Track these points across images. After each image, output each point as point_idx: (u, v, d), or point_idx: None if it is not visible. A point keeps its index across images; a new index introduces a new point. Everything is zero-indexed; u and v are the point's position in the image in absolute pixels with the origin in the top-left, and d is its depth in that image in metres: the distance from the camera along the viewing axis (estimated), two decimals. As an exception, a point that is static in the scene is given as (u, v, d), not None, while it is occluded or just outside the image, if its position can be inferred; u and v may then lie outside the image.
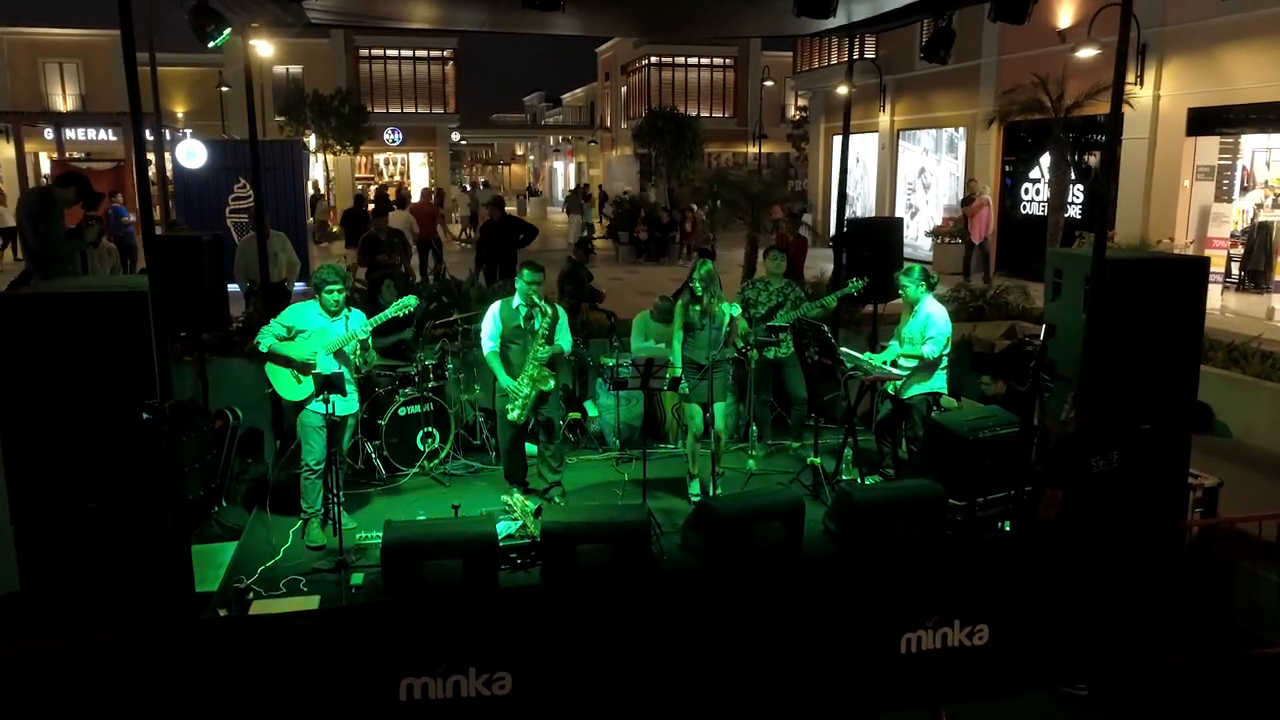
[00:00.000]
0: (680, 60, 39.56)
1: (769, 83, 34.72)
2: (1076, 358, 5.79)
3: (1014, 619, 5.04)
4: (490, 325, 6.61)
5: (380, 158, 40.51)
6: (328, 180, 35.24)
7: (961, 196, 17.60)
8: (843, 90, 23.91)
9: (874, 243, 9.05)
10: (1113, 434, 5.45)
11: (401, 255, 10.57)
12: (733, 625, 4.78)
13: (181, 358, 8.34)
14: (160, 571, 4.80)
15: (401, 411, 7.49)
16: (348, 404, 6.16)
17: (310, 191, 35.09)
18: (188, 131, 30.48)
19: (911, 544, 5.70)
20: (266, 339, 6.10)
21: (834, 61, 24.90)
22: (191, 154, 16.51)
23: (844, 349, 6.99)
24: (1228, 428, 7.76)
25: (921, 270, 6.95)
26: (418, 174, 40.21)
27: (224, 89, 33.42)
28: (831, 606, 4.89)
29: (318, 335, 6.09)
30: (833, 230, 22.46)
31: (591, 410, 8.41)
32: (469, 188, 37.55)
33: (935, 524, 5.91)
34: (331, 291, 6.07)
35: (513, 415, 6.48)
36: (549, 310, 6.51)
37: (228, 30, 6.61)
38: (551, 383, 6.58)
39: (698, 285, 6.69)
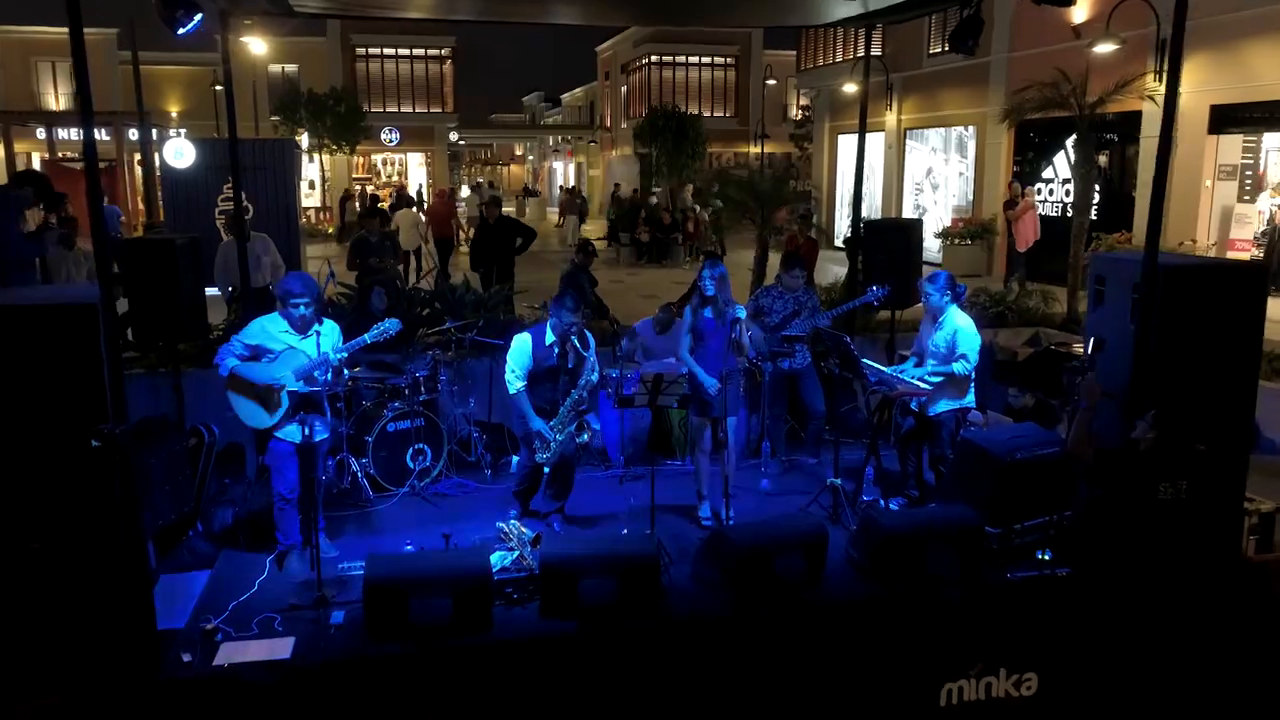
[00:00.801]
0: (681, 59, 39.12)
1: (771, 81, 34.26)
2: (1123, 372, 5.31)
3: (1065, 666, 4.54)
4: (519, 360, 6.04)
5: (378, 158, 40.05)
6: (323, 180, 34.71)
7: (1005, 198, 16.88)
8: (849, 88, 23.49)
9: (891, 245, 8.55)
10: (1177, 457, 4.95)
11: (393, 259, 10.04)
12: (752, 673, 4.28)
13: (156, 369, 7.87)
14: (116, 620, 4.30)
15: (390, 427, 6.99)
16: (323, 427, 5.64)
17: (339, 192, 34.65)
18: (182, 131, 30.05)
19: (949, 580, 5.20)
20: (226, 362, 5.50)
21: (839, 59, 24.42)
22: (179, 153, 15.96)
23: (867, 361, 6.48)
24: (1273, 444, 7.27)
25: (949, 278, 6.43)
26: (415, 174, 39.74)
27: (218, 87, 32.90)
28: (863, 652, 4.39)
29: (286, 358, 5.49)
30: (842, 232, 22.14)
31: (593, 424, 7.90)
32: (475, 187, 36.97)
33: (971, 555, 5.41)
34: (298, 305, 5.48)
35: (541, 458, 5.99)
36: (585, 345, 6.07)
37: (198, 17, 6.11)
38: (586, 435, 6.14)
39: (709, 285, 6.18)
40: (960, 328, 6.31)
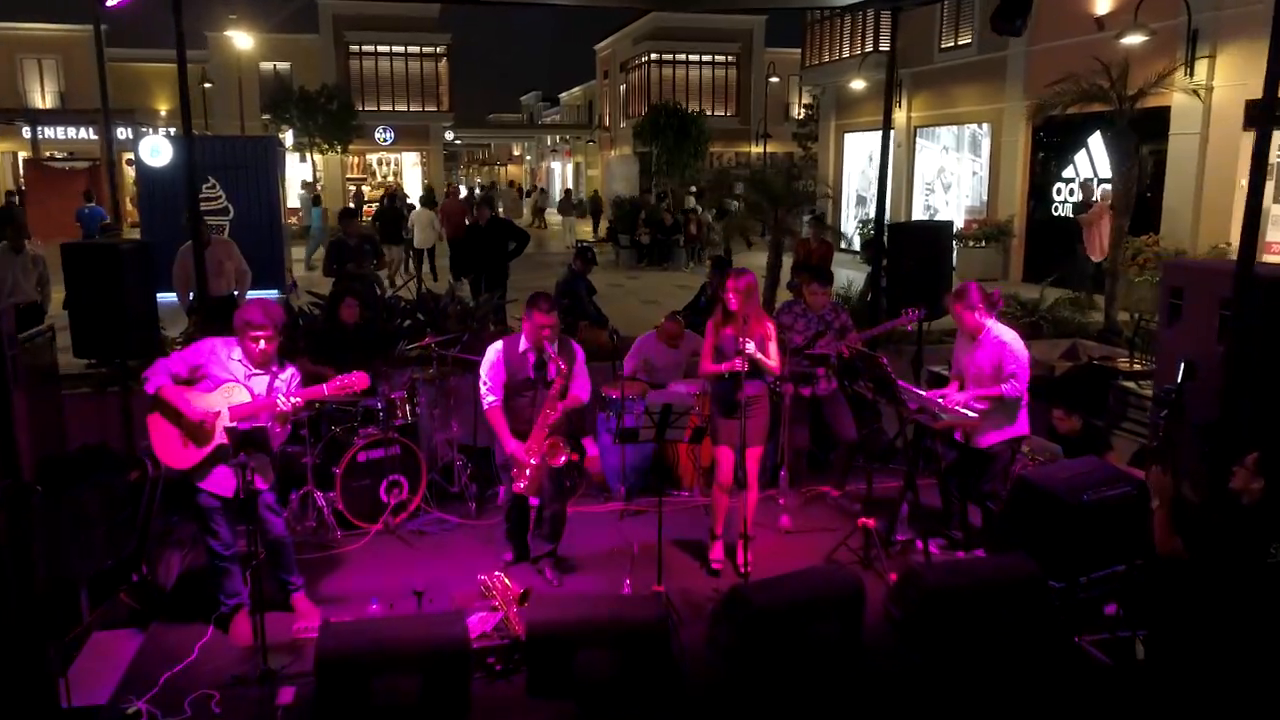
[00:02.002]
0: (681, 57, 38.35)
1: (774, 79, 33.43)
2: (1210, 403, 4.52)
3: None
4: (491, 371, 5.27)
5: (373, 158, 39.20)
6: (315, 180, 33.87)
7: (1080, 198, 15.86)
8: (856, 84, 22.70)
9: (919, 251, 7.76)
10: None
11: (374, 263, 9.24)
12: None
13: (105, 389, 7.07)
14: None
15: (361, 456, 6.19)
16: (268, 474, 4.77)
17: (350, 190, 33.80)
18: (171, 130, 29.24)
19: (1007, 645, 4.41)
20: (156, 378, 4.61)
21: (845, 55, 23.61)
22: (155, 151, 15.19)
23: (906, 385, 5.69)
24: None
25: (979, 289, 5.62)
26: (410, 174, 38.92)
27: (207, 85, 32.11)
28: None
29: (229, 391, 4.64)
30: (850, 234, 21.36)
31: (591, 449, 7.12)
32: (490, 187, 36.10)
33: (1033, 616, 4.61)
34: (258, 339, 4.63)
35: (518, 486, 5.18)
36: (566, 355, 5.23)
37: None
38: (564, 457, 5.31)
39: (733, 299, 5.36)
40: (1005, 344, 5.51)
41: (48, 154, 33.97)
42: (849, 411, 6.58)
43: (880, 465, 7.24)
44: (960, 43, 19.62)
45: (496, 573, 5.05)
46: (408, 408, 6.46)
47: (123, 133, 28.99)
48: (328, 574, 5.64)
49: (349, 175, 37.37)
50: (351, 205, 9.84)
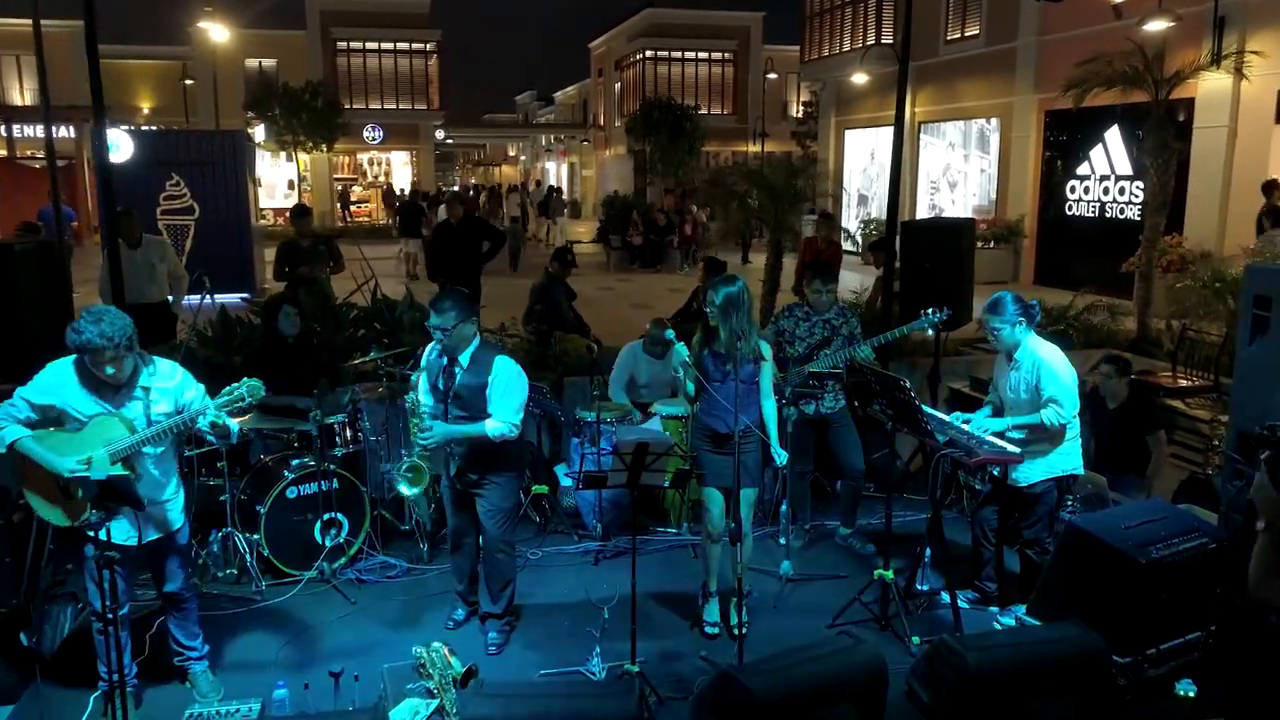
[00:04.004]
0: (677, 54, 37.45)
1: (771, 75, 32.55)
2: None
3: None
4: (419, 375, 4.56)
5: (364, 157, 38.32)
6: (300, 179, 32.97)
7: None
8: (858, 79, 21.78)
9: (937, 251, 6.88)
10: None
11: (331, 267, 8.34)
12: None
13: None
14: None
15: (291, 491, 5.29)
16: (128, 527, 3.81)
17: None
18: (152, 126, 28.29)
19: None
20: (6, 430, 3.69)
21: (846, 48, 22.72)
22: (114, 146, 14.25)
23: (932, 412, 4.80)
24: None
25: (1015, 300, 4.72)
26: (399, 174, 38.04)
27: (189, 81, 31.21)
28: None
29: (98, 428, 3.71)
30: (855, 235, 20.45)
31: (564, 479, 6.24)
32: (518, 187, 35.13)
33: (1093, 701, 3.72)
34: (101, 365, 3.66)
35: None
36: (484, 367, 4.32)
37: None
38: (418, 489, 4.44)
39: (714, 315, 4.47)
40: (1044, 361, 4.62)
41: (28, 152, 33.01)
42: (856, 436, 5.69)
43: (896, 495, 6.37)
44: (967, 34, 18.74)
45: (436, 643, 4.14)
46: (348, 433, 5.56)
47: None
48: (241, 634, 4.74)
49: (338, 175, 36.50)
50: (304, 204, 9.00)
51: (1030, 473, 4.62)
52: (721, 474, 4.46)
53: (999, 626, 4.72)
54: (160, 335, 7.09)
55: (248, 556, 5.20)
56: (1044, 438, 4.60)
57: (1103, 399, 5.79)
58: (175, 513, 3.99)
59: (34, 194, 25.43)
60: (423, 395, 4.50)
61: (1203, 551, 4.13)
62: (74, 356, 3.73)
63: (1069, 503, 5.02)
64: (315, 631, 4.77)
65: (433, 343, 4.45)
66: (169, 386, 3.84)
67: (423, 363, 4.59)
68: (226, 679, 4.27)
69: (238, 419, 5.48)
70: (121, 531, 3.81)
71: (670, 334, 4.86)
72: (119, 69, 34.91)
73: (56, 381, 3.73)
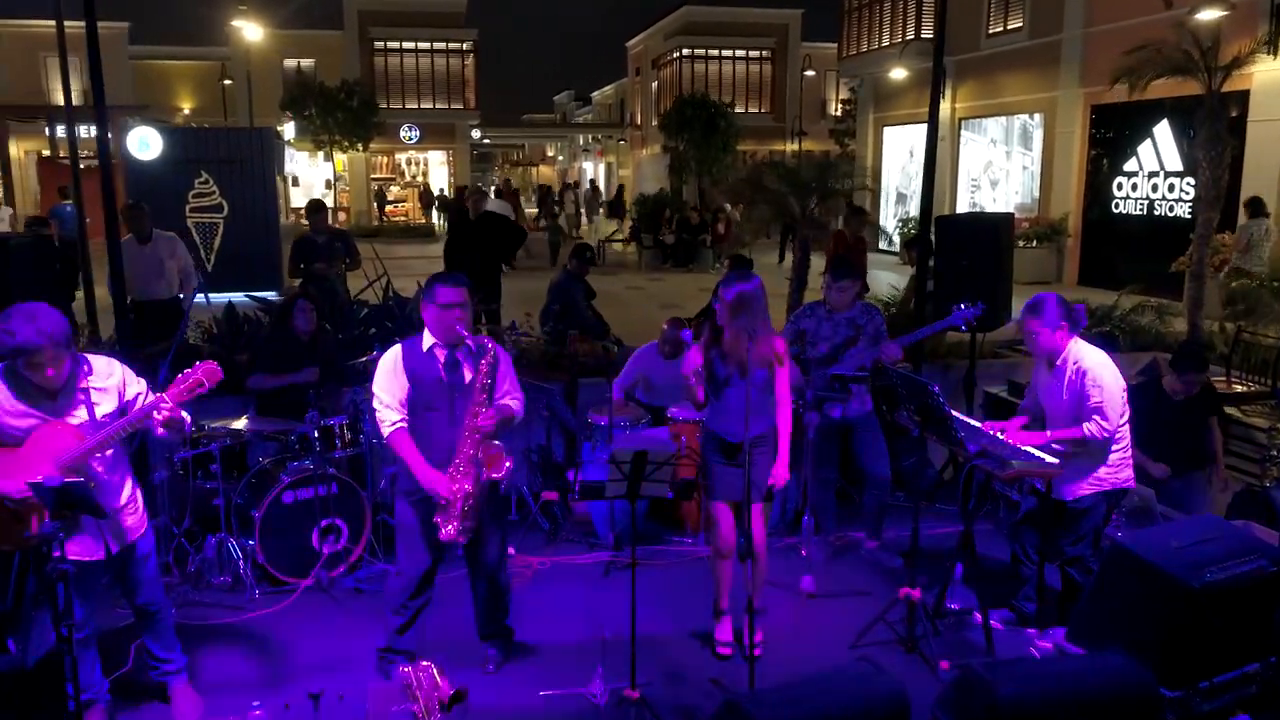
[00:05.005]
0: (714, 52, 37.08)
1: (809, 72, 32.07)
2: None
3: None
4: (390, 384, 3.99)
5: (401, 157, 38.40)
6: (335, 178, 33.09)
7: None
8: (897, 73, 21.34)
9: (974, 248, 6.51)
10: None
11: (347, 264, 8.14)
12: None
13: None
14: None
15: (288, 496, 5.07)
16: (91, 543, 3.58)
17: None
18: (190, 126, 28.51)
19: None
20: None
21: (885, 43, 22.26)
22: (144, 144, 14.24)
23: (963, 418, 4.46)
24: None
25: (1058, 301, 4.35)
26: (436, 173, 38.08)
27: (227, 82, 31.44)
28: None
29: (42, 440, 3.43)
30: (892, 233, 20.01)
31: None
32: (571, 185, 35.10)
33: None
34: (40, 366, 3.32)
35: (447, 532, 3.98)
36: (483, 350, 4.03)
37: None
38: (507, 464, 4.07)
39: (724, 313, 4.16)
40: (1090, 369, 4.25)
41: (64, 153, 33.48)
42: (883, 442, 5.36)
43: (927, 504, 6.03)
44: (1010, 27, 18.22)
45: (425, 662, 3.88)
46: (349, 435, 5.33)
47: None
48: (228, 647, 4.51)
49: (376, 174, 36.60)
50: (319, 199, 8.83)
51: (1077, 486, 4.26)
52: (731, 487, 4.15)
53: (1035, 651, 4.37)
54: (166, 333, 6.92)
55: (242, 565, 4.99)
56: (1086, 451, 4.24)
57: (1166, 394, 5.35)
58: (134, 520, 3.74)
59: (85, 194, 25.78)
60: None
61: (1261, 575, 3.75)
62: (3, 367, 3.44)
63: (1113, 519, 4.65)
64: (306, 645, 4.53)
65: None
66: (110, 385, 3.57)
67: None
68: (207, 695, 4.04)
69: (236, 422, 5.34)
70: (85, 548, 3.59)
71: (689, 335, 4.57)
72: (160, 69, 35.37)
73: None
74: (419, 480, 3.93)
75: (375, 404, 3.99)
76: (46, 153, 32.91)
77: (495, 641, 4.32)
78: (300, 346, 5.78)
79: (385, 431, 3.98)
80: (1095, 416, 4.19)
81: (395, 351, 4.02)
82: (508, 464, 4.02)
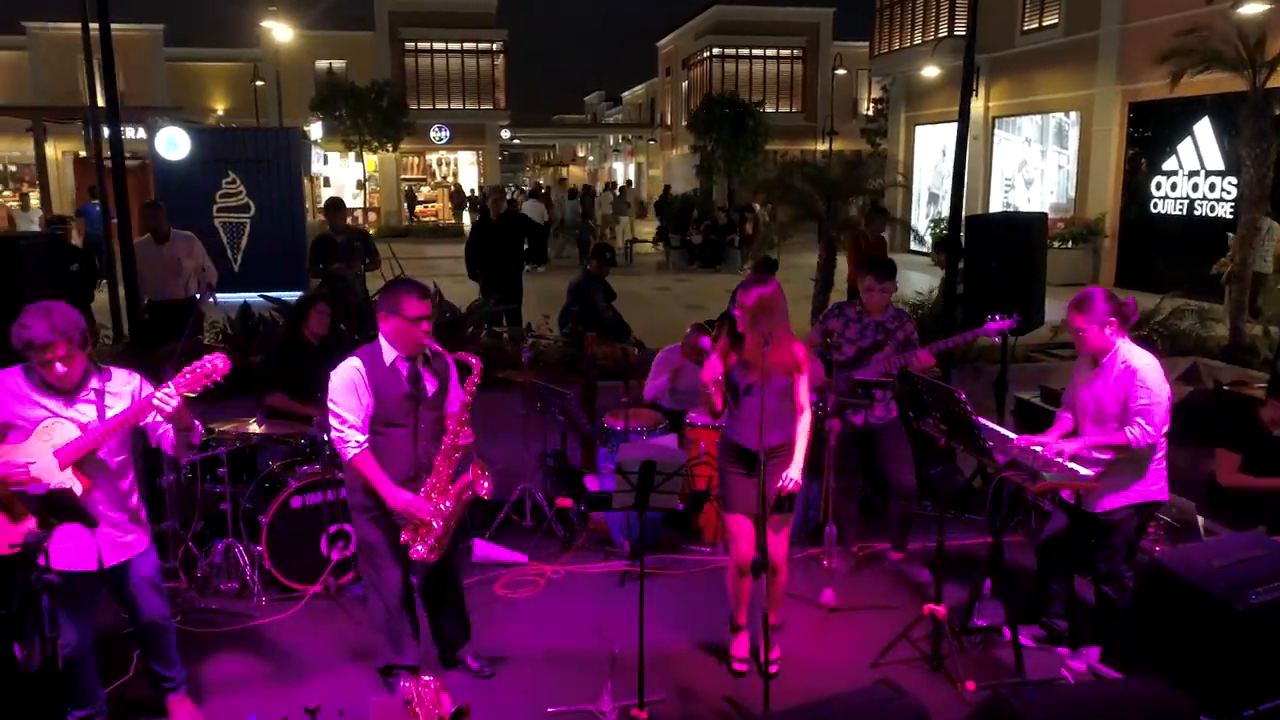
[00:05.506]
0: (745, 51, 36.83)
1: (841, 71, 31.75)
2: None
3: None
4: (354, 403, 3.78)
5: (432, 158, 38.49)
6: (366, 179, 33.20)
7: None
8: (929, 71, 21.02)
9: (1005, 249, 6.30)
10: None
11: (366, 263, 8.05)
12: None
13: None
14: None
15: (296, 501, 4.96)
16: (84, 552, 3.46)
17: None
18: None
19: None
20: None
21: (917, 41, 21.93)
22: (172, 143, 14.31)
23: (992, 426, 4.26)
24: None
25: (1109, 299, 4.13)
26: (466, 174, 38.14)
27: (259, 83, 31.63)
28: None
29: (46, 434, 3.36)
30: (924, 233, 19.68)
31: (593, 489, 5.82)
32: (608, 186, 35.01)
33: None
34: (50, 362, 3.29)
35: (419, 550, 3.86)
36: (439, 358, 3.93)
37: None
38: (486, 484, 3.99)
39: (743, 317, 3.99)
40: (1136, 370, 4.02)
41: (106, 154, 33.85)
42: (909, 449, 5.16)
43: (955, 514, 5.82)
44: (1045, 23, 17.86)
45: (427, 677, 3.74)
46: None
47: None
48: (231, 656, 4.41)
49: (407, 175, 36.70)
50: (338, 197, 8.76)
51: (1107, 498, 4.05)
52: (749, 500, 3.97)
53: (1068, 673, 4.16)
54: (180, 333, 6.86)
55: (249, 571, 4.89)
56: (1125, 458, 4.02)
57: (1262, 426, 4.94)
58: (134, 536, 3.63)
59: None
60: None
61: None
62: (22, 365, 3.41)
63: (1151, 533, 4.43)
64: (309, 655, 4.42)
65: None
66: (125, 389, 3.52)
67: None
68: (208, 705, 3.95)
69: (245, 425, 5.23)
70: (75, 558, 3.48)
71: (708, 342, 4.42)
72: (195, 71, 35.68)
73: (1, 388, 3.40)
74: (392, 504, 3.79)
75: (335, 424, 3.79)
76: (83, 153, 33.34)
77: (471, 646, 4.20)
78: (312, 350, 5.68)
79: (349, 453, 3.78)
80: (1139, 419, 3.96)
81: (355, 366, 3.80)
82: (486, 485, 3.91)
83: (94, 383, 3.44)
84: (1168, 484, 4.15)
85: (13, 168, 36.69)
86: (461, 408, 3.96)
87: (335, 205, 8.31)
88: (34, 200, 27.26)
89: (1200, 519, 4.90)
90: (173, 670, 3.88)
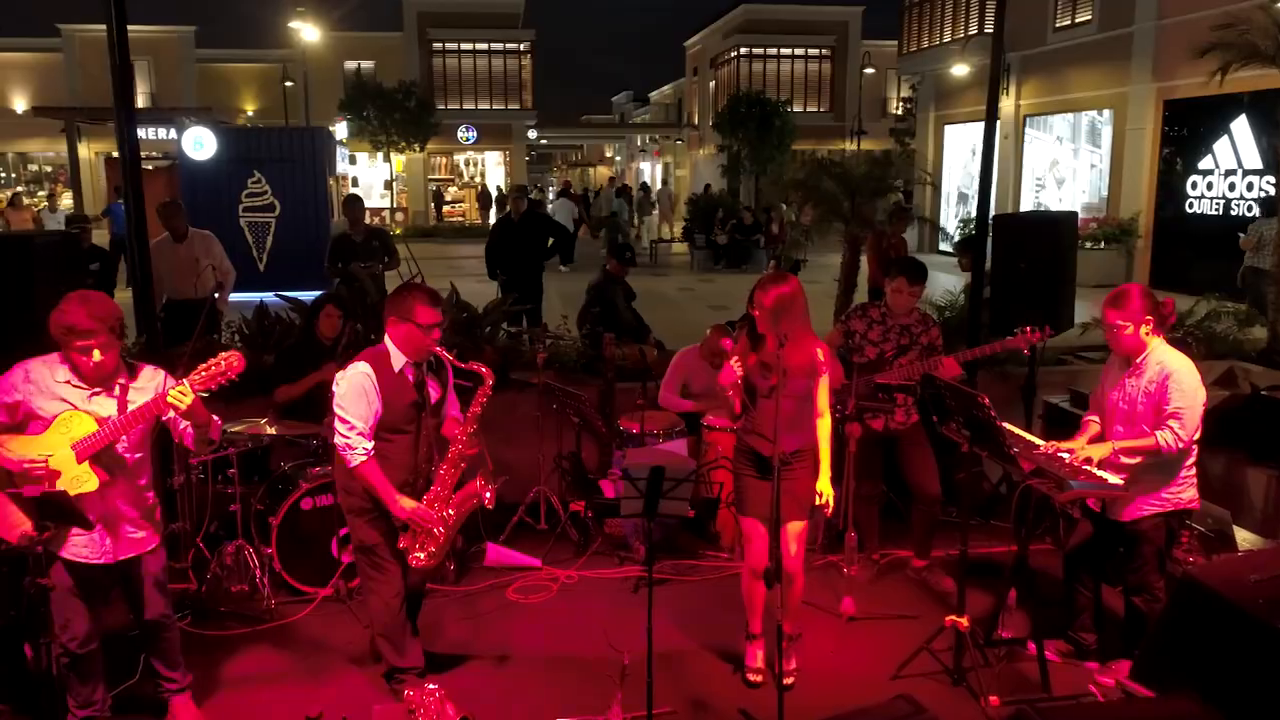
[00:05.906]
0: (773, 51, 36.60)
1: (869, 70, 31.47)
2: None
3: None
4: (364, 409, 3.72)
5: (460, 158, 38.58)
6: (393, 179, 33.31)
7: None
8: (958, 70, 20.76)
9: (1034, 249, 6.12)
10: None
11: (386, 262, 8.00)
12: None
13: None
14: None
15: (307, 502, 4.90)
16: (90, 548, 3.46)
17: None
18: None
19: None
20: None
21: (946, 39, 21.67)
22: (199, 143, 14.39)
23: (1017, 431, 4.12)
24: None
25: (1146, 297, 3.97)
26: (492, 174, 38.19)
27: (288, 83, 31.83)
28: None
29: (63, 426, 3.33)
30: (952, 233, 19.42)
31: (607, 493, 5.72)
32: (646, 185, 34.98)
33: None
34: (88, 349, 3.29)
35: (418, 558, 3.79)
36: (442, 364, 3.91)
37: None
38: (488, 492, 3.93)
39: (762, 318, 3.88)
40: (1173, 372, 3.85)
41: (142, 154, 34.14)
42: (931, 455, 5.02)
43: (980, 522, 5.67)
44: (1078, 20, 17.57)
45: (431, 685, 3.66)
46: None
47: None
48: (239, 660, 4.35)
49: (434, 175, 36.81)
50: (356, 193, 8.70)
51: (1135, 506, 3.89)
52: (763, 504, 3.86)
53: (1096, 689, 4.01)
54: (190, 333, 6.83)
55: (258, 573, 4.84)
56: (1153, 464, 3.87)
57: None
58: (145, 534, 3.60)
59: (147, 194, 26.25)
60: None
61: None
62: (46, 357, 3.40)
63: (1185, 543, 4.26)
64: (317, 659, 4.36)
65: None
66: (148, 386, 3.50)
67: None
68: (210, 710, 3.89)
69: (257, 425, 5.18)
70: (89, 551, 3.45)
71: (730, 345, 4.31)
72: (225, 72, 35.99)
73: (21, 379, 3.37)
74: (397, 513, 3.75)
75: (343, 430, 3.72)
76: (115, 154, 33.69)
77: None
78: (323, 350, 5.62)
79: (355, 460, 3.71)
80: (1172, 423, 3.80)
81: (365, 372, 3.74)
82: (489, 495, 3.87)
83: (120, 378, 3.42)
84: (1197, 492, 3.99)
85: (48, 168, 37.21)
86: (469, 418, 3.90)
87: (353, 201, 8.26)
88: (67, 201, 27.62)
89: (1236, 529, 4.74)
90: (176, 672, 3.83)
